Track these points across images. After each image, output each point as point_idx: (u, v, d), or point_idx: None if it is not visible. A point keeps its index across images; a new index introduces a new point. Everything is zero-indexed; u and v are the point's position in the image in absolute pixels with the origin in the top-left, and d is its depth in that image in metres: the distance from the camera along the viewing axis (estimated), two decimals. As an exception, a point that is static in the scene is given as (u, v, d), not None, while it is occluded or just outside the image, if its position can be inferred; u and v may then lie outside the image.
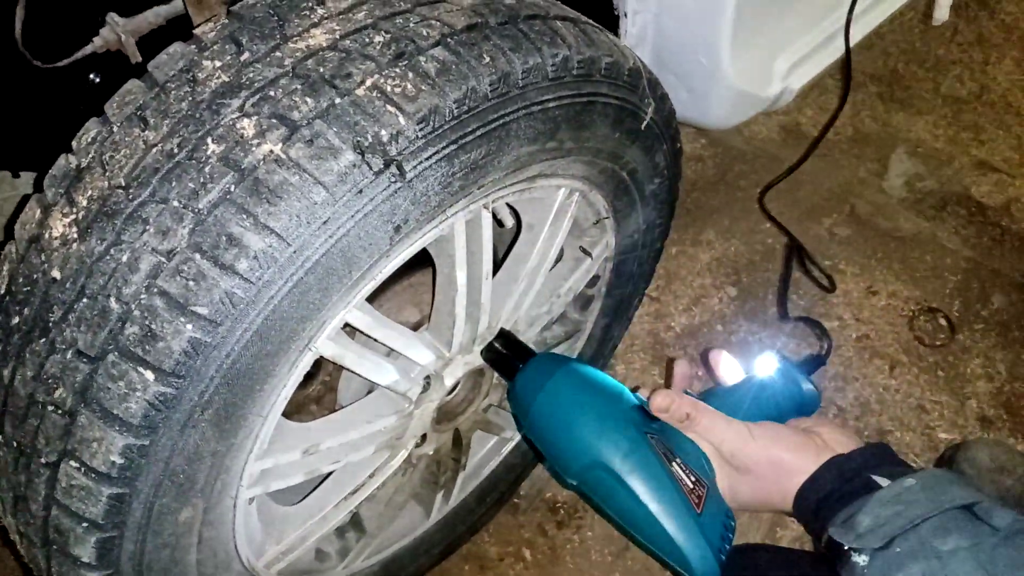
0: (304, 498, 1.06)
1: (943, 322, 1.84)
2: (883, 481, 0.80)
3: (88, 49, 0.99)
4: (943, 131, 2.30)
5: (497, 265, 1.08)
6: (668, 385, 1.01)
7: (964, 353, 1.79)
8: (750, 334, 1.82)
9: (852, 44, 1.61)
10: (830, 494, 0.82)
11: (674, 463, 0.88)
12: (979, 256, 1.98)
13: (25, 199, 0.80)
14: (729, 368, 1.04)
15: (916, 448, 1.64)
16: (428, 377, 1.04)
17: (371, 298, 0.88)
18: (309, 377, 1.01)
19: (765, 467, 0.87)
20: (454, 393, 1.14)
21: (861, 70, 2.45)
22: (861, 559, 0.74)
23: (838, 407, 1.69)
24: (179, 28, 1.01)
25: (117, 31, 0.98)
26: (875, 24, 1.74)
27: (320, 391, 1.12)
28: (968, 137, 2.28)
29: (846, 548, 0.75)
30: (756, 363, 1.02)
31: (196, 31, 0.80)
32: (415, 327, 1.11)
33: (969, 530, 0.71)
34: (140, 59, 1.01)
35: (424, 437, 1.12)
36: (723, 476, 0.90)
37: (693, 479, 0.88)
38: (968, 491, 0.76)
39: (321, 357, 0.85)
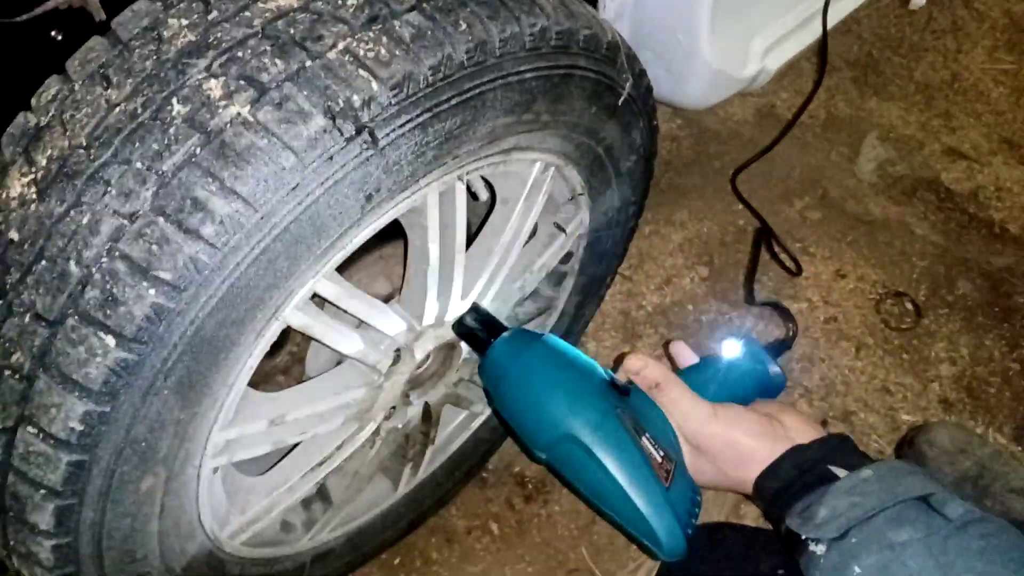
0: (270, 469, 1.05)
1: (909, 306, 1.87)
2: (841, 472, 0.81)
3: (50, 4, 0.95)
4: (915, 117, 2.32)
5: (470, 239, 1.07)
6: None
7: (929, 337, 1.82)
8: (720, 315, 1.84)
9: (829, 27, 1.61)
10: (789, 484, 0.83)
11: (643, 438, 0.88)
12: (946, 242, 2.00)
13: (-19, 158, 0.77)
14: (688, 360, 1.05)
15: (879, 429, 1.66)
16: (398, 350, 1.03)
17: (341, 269, 0.87)
18: (276, 347, 1.00)
19: (724, 449, 0.88)
20: (424, 366, 1.13)
21: (836, 54, 2.46)
22: (818, 549, 0.75)
23: (804, 387, 1.71)
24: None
25: (81, -13, 0.95)
26: (852, 7, 1.75)
27: (287, 362, 1.10)
28: (939, 124, 2.30)
29: (803, 538, 0.77)
30: (723, 345, 1.03)
31: (163, -12, 0.77)
32: (386, 299, 1.10)
33: (923, 521, 0.73)
34: (104, 17, 0.98)
35: (393, 410, 1.12)
36: (686, 453, 0.91)
37: (662, 454, 0.88)
38: (924, 482, 0.77)
39: (289, 327, 0.84)
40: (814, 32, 1.62)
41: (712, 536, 1.06)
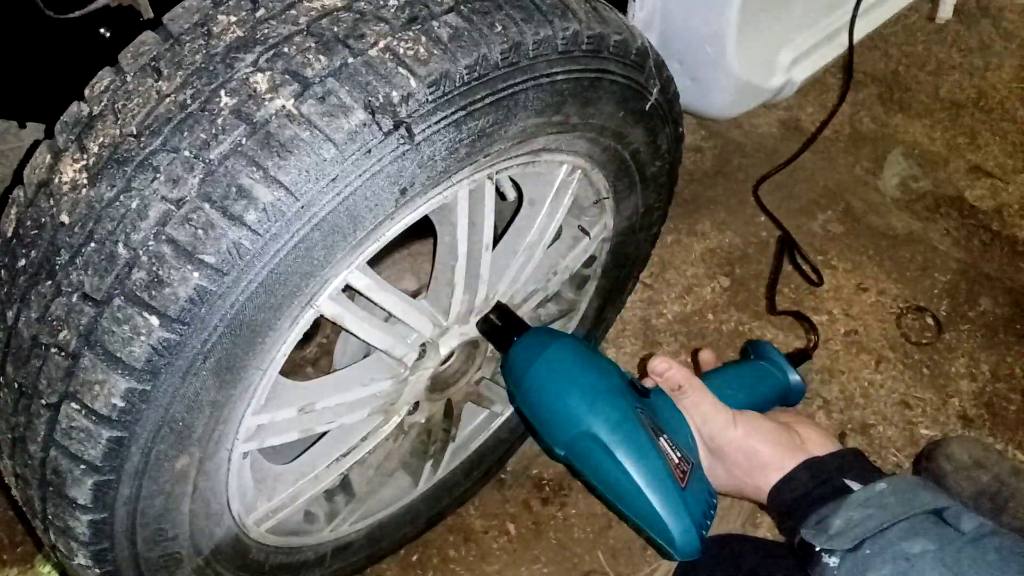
0: (296, 458, 1.07)
1: (930, 321, 1.87)
2: (855, 485, 0.82)
3: (101, 2, 0.99)
4: (940, 134, 2.32)
5: (497, 238, 1.10)
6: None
7: (949, 352, 1.81)
8: (741, 324, 1.84)
9: (855, 42, 1.63)
10: (803, 495, 0.84)
11: (662, 438, 0.90)
12: (969, 258, 2.00)
13: (35, 145, 0.81)
14: (710, 366, 1.06)
15: (897, 443, 1.66)
16: (424, 344, 1.05)
17: (372, 264, 0.89)
18: (307, 338, 1.03)
19: (740, 456, 0.89)
20: (449, 363, 1.15)
21: (862, 70, 2.47)
22: (832, 560, 0.76)
23: (823, 399, 1.72)
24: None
25: (130, -14, 0.99)
26: (879, 22, 1.76)
27: (316, 353, 1.13)
28: (964, 141, 2.30)
29: (817, 549, 0.77)
30: (744, 352, 1.04)
31: (212, -14, 0.80)
32: (413, 295, 1.12)
33: (937, 534, 0.74)
34: (151, 15, 1.02)
35: (417, 405, 1.14)
36: (703, 456, 0.92)
37: (679, 455, 0.90)
38: (937, 496, 0.78)
39: (320, 319, 0.86)
40: (840, 46, 1.64)
41: (724, 547, 1.07)
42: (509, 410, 1.40)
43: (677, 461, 0.89)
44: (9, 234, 0.78)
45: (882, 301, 1.90)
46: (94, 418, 0.73)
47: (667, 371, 0.92)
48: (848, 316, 1.87)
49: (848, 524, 0.77)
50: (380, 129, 0.73)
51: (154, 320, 0.70)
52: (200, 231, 0.69)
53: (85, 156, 0.75)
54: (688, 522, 0.86)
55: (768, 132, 2.31)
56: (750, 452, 0.88)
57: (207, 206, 0.69)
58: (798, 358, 1.11)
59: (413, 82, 0.74)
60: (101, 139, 0.74)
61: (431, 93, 0.75)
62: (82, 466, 0.76)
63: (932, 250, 2.01)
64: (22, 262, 0.76)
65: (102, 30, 1.06)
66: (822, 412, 1.70)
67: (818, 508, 0.81)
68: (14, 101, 1.08)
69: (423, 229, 0.98)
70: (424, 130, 0.76)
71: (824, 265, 1.96)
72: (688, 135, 2.24)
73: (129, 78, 0.76)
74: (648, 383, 0.99)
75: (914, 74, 2.51)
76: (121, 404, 0.72)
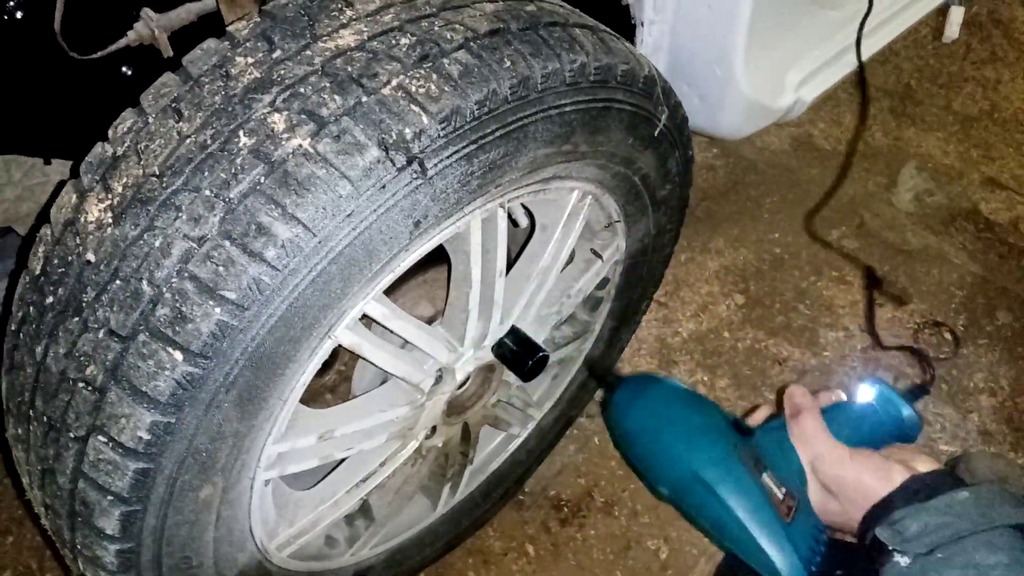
0: (317, 483, 1.09)
1: (948, 336, 1.86)
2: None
3: (122, 42, 1.02)
4: (953, 147, 2.32)
5: (510, 264, 1.11)
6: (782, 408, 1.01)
7: (968, 367, 1.81)
8: (757, 341, 1.85)
9: (865, 59, 1.64)
10: (887, 500, 0.83)
11: (764, 475, 0.89)
12: (985, 272, 1.99)
13: (61, 185, 0.83)
14: (829, 402, 1.02)
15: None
16: (440, 370, 1.06)
17: (388, 292, 0.91)
18: (326, 366, 1.04)
19: (855, 493, 0.87)
20: (465, 387, 1.17)
21: (874, 85, 2.48)
22: (903, 560, 0.76)
23: (841, 416, 1.71)
24: (210, 24, 1.04)
25: (151, 26, 1.02)
26: (887, 40, 1.77)
27: (335, 380, 1.15)
28: (978, 154, 2.30)
29: (890, 548, 0.77)
30: (857, 390, 1.01)
31: (229, 28, 0.83)
32: (429, 322, 1.14)
33: (1014, 548, 0.73)
34: (172, 54, 1.04)
35: (434, 429, 1.15)
36: (814, 491, 0.91)
37: (783, 491, 0.89)
38: (1020, 511, 0.76)
39: (339, 346, 0.88)
40: (850, 64, 1.65)
41: None
42: (526, 432, 1.41)
43: (782, 497, 0.88)
44: (37, 272, 0.81)
45: (899, 316, 1.90)
46: (121, 450, 0.75)
47: (800, 398, 0.93)
48: (864, 332, 1.86)
49: (924, 529, 0.76)
50: (394, 165, 0.75)
51: (178, 355, 0.72)
52: (221, 268, 0.71)
53: (110, 196, 0.77)
54: (793, 556, 0.85)
55: (780, 149, 2.32)
56: (865, 489, 0.86)
57: (228, 243, 0.72)
58: (916, 393, 1.07)
59: (425, 119, 0.76)
60: (125, 179, 0.77)
61: (443, 129, 0.77)
62: (109, 497, 0.78)
63: (948, 264, 2.00)
64: (50, 299, 0.78)
65: (124, 68, 1.09)
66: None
67: (898, 508, 0.80)
68: (40, 139, 1.11)
69: (438, 255, 1.00)
70: (436, 164, 0.78)
71: (839, 281, 1.96)
72: (701, 153, 2.27)
73: (151, 119, 0.79)
74: (754, 420, 1.00)
75: (926, 87, 2.51)
76: (147, 437, 0.74)
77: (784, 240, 2.05)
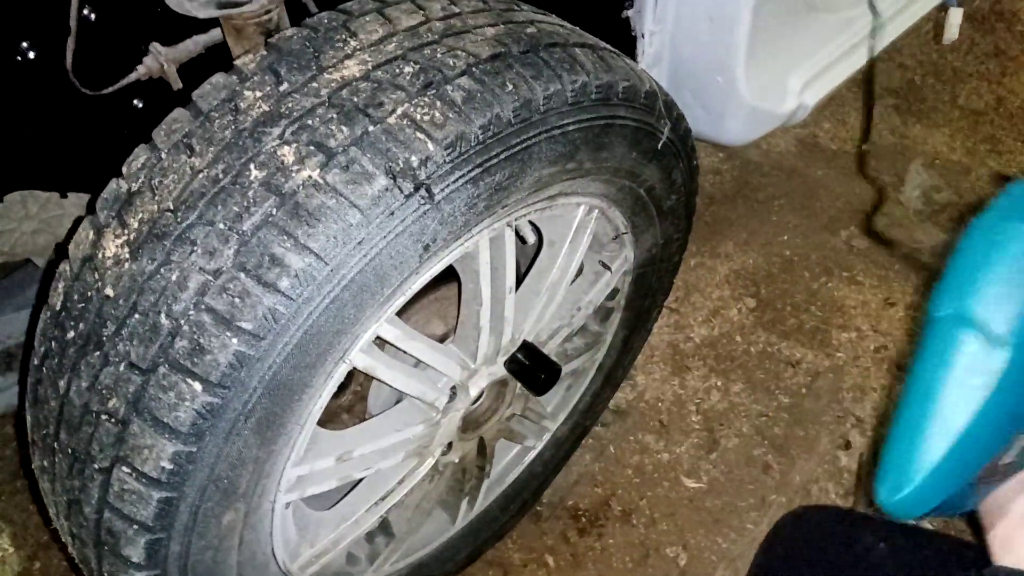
0: (336, 503, 1.10)
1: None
2: None
3: (132, 77, 1.04)
4: (960, 143, 2.31)
5: (520, 280, 1.13)
6: None
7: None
8: (769, 345, 1.85)
9: (869, 59, 1.65)
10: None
11: (1021, 433, 0.71)
12: (997, 267, 1.99)
13: (78, 220, 0.86)
14: None
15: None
16: (454, 387, 1.08)
17: (400, 312, 0.92)
18: (341, 387, 1.06)
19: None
20: (479, 402, 1.18)
21: (878, 83, 2.47)
22: None
23: (856, 417, 1.71)
24: (217, 56, 1.06)
25: (160, 59, 1.04)
26: (892, 39, 1.77)
27: (351, 400, 1.16)
28: (985, 149, 2.30)
29: None
30: None
31: (237, 62, 0.85)
32: (441, 339, 1.15)
33: None
34: (181, 85, 1.07)
35: (450, 445, 1.17)
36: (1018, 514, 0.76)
37: (1010, 460, 0.73)
38: None
39: (354, 368, 0.90)
40: (852, 65, 1.66)
41: (799, 519, 0.99)
42: (541, 443, 1.42)
43: (1007, 460, 0.71)
44: (58, 307, 0.83)
45: (911, 315, 1.89)
46: (144, 480, 0.77)
47: None
48: (877, 332, 1.86)
49: None
50: (402, 192, 0.77)
51: (197, 386, 0.74)
52: (237, 299, 0.73)
53: (126, 231, 0.79)
54: (914, 482, 0.68)
55: (786, 150, 2.32)
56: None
57: (243, 275, 0.73)
58: None
59: (431, 145, 0.78)
60: (140, 215, 0.79)
61: (448, 155, 0.79)
62: (135, 526, 0.79)
63: (959, 260, 2.00)
64: (71, 334, 0.80)
65: (135, 101, 1.11)
66: (856, 431, 1.70)
67: None
68: (55, 174, 1.13)
69: (448, 272, 1.01)
70: (443, 189, 0.80)
71: (850, 281, 1.96)
72: (707, 157, 2.28)
73: (164, 155, 0.81)
74: None
75: (931, 83, 2.51)
76: (169, 466, 0.76)
77: (793, 242, 2.05)
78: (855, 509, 1.46)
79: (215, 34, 1.07)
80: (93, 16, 0.98)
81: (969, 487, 0.71)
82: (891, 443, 0.70)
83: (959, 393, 0.67)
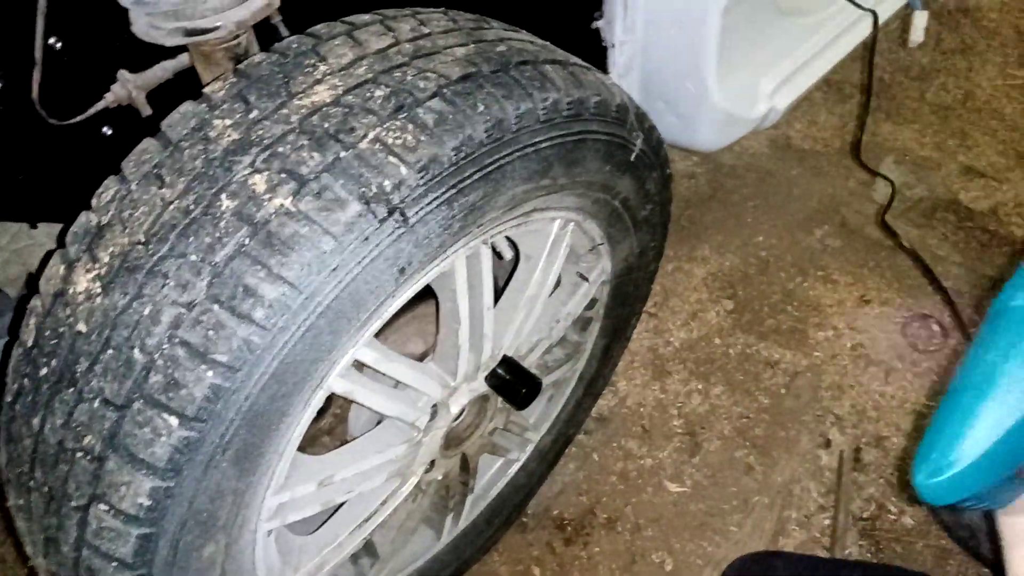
0: (319, 528, 1.09)
1: (936, 328, 1.88)
2: None
3: (100, 105, 1.03)
4: (930, 139, 2.34)
5: (498, 295, 1.13)
6: None
7: (958, 358, 1.82)
8: (748, 347, 1.86)
9: (837, 62, 1.66)
10: None
11: None
12: (969, 261, 2.02)
13: (49, 255, 0.84)
14: None
15: (914, 453, 1.67)
16: (435, 406, 1.08)
17: (378, 332, 0.92)
18: (321, 411, 1.05)
19: None
20: (460, 419, 1.18)
21: (847, 81, 2.50)
22: None
23: (835, 416, 1.73)
24: (186, 81, 1.05)
25: (128, 87, 1.03)
26: (860, 39, 1.79)
27: (332, 423, 1.16)
28: (954, 144, 2.33)
29: None
30: None
31: (205, 90, 0.84)
32: (421, 357, 1.15)
33: None
34: (150, 111, 1.05)
35: (433, 463, 1.16)
36: None
37: None
38: None
39: (333, 392, 0.89)
40: (821, 68, 1.67)
41: (762, 564, 1.06)
42: (525, 455, 1.42)
43: None
44: (30, 344, 0.81)
45: (886, 312, 1.92)
46: (122, 517, 0.76)
47: None
48: (853, 329, 1.88)
49: None
50: (376, 217, 0.76)
51: (173, 420, 0.73)
52: (211, 332, 0.72)
53: (97, 265, 0.78)
54: (966, 475, 0.66)
55: (759, 152, 2.34)
56: None
57: (216, 307, 0.73)
58: None
59: (404, 169, 0.77)
60: (111, 248, 0.78)
61: (421, 178, 0.78)
62: (114, 563, 0.78)
63: (932, 256, 2.02)
64: (44, 371, 0.79)
65: (104, 129, 1.10)
66: (835, 428, 1.71)
67: None
68: (24, 205, 1.12)
69: (426, 291, 1.01)
70: (418, 212, 0.80)
71: (825, 280, 1.98)
72: (681, 161, 2.29)
73: (134, 186, 0.80)
74: None
75: (899, 80, 2.54)
76: (147, 503, 0.75)
77: (768, 243, 2.07)
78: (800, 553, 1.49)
79: (182, 59, 1.06)
80: (59, 45, 0.97)
81: (1007, 481, 0.68)
82: (937, 425, 0.68)
83: (1020, 386, 0.65)
